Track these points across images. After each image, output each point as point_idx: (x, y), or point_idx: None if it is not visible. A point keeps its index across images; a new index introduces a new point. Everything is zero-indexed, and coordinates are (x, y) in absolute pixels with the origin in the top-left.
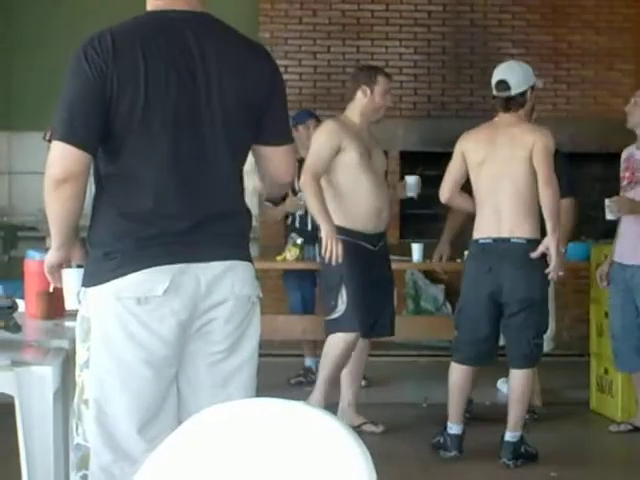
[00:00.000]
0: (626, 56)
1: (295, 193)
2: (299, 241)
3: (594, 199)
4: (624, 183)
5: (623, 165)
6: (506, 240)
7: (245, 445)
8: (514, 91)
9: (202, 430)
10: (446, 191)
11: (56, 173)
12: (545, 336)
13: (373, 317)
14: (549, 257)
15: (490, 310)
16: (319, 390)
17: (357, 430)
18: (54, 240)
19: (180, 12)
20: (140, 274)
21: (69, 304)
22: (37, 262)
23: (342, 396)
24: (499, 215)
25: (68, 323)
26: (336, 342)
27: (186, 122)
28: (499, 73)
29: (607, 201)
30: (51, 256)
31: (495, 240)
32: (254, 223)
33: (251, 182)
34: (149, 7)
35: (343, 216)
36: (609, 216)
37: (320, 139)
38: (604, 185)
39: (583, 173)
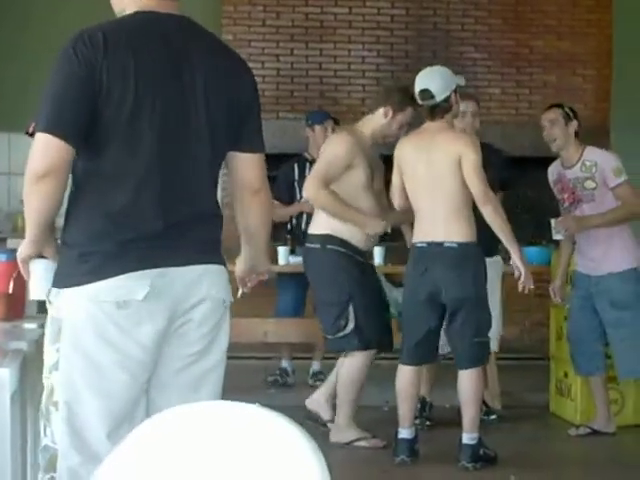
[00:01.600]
0: (588, 61)
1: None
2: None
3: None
4: (566, 204)
5: (557, 186)
6: (440, 244)
7: (199, 448)
8: (438, 98)
9: (158, 432)
10: (397, 198)
11: (37, 167)
12: (492, 336)
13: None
14: (516, 271)
15: (429, 311)
16: (344, 412)
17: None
18: (28, 233)
19: (167, 14)
20: (120, 278)
21: (34, 294)
22: None
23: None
24: (433, 220)
25: (27, 325)
26: (352, 362)
27: (173, 122)
28: (420, 82)
29: (553, 222)
30: (24, 248)
31: (429, 244)
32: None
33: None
34: (134, 7)
35: (339, 227)
36: (556, 236)
37: (337, 151)
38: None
39: (544, 178)
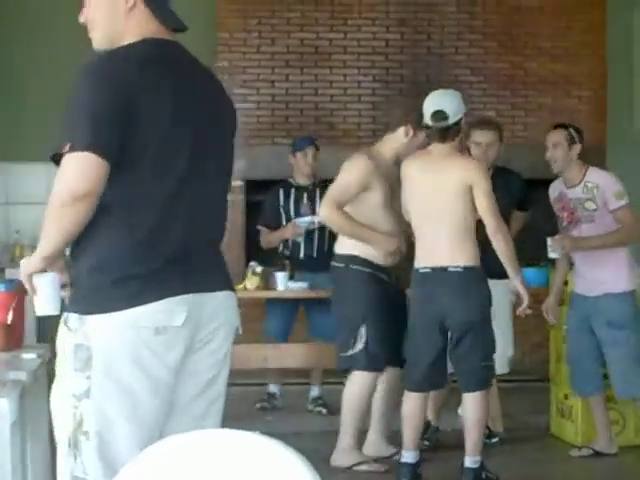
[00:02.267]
0: (583, 83)
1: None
2: (259, 270)
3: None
4: (564, 223)
5: (557, 205)
6: (444, 269)
7: (203, 476)
8: (451, 120)
9: (161, 458)
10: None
11: (76, 187)
12: (501, 357)
13: (397, 347)
14: (520, 298)
15: (435, 336)
16: (348, 433)
17: (388, 461)
18: (45, 249)
19: (172, 41)
20: (160, 303)
21: (41, 310)
22: None
23: (372, 426)
24: (436, 244)
25: (25, 355)
26: (358, 382)
27: (198, 146)
28: (433, 103)
29: (549, 240)
30: (34, 262)
31: (433, 269)
32: None
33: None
34: (137, 35)
35: (362, 248)
36: (552, 255)
37: (352, 174)
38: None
39: (541, 199)
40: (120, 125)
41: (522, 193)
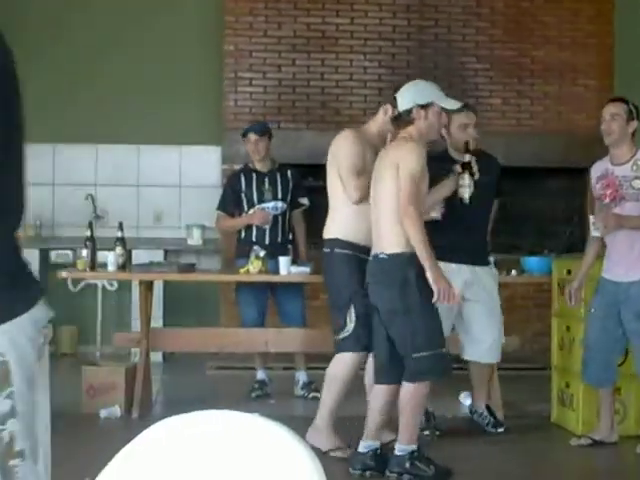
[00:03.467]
0: (589, 72)
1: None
2: (262, 254)
3: (557, 214)
4: (606, 201)
5: (600, 182)
6: (376, 256)
7: (198, 458)
8: (400, 108)
9: (159, 440)
10: None
11: None
12: (494, 345)
13: None
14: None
15: (377, 326)
16: (326, 412)
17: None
18: None
19: None
20: (42, 298)
21: None
22: None
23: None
24: (378, 231)
25: None
26: (343, 362)
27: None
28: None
29: (592, 218)
30: None
31: (373, 256)
32: (215, 235)
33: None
34: None
35: (343, 229)
36: (595, 233)
37: (351, 149)
38: (567, 200)
39: (545, 188)
40: None
41: (499, 179)
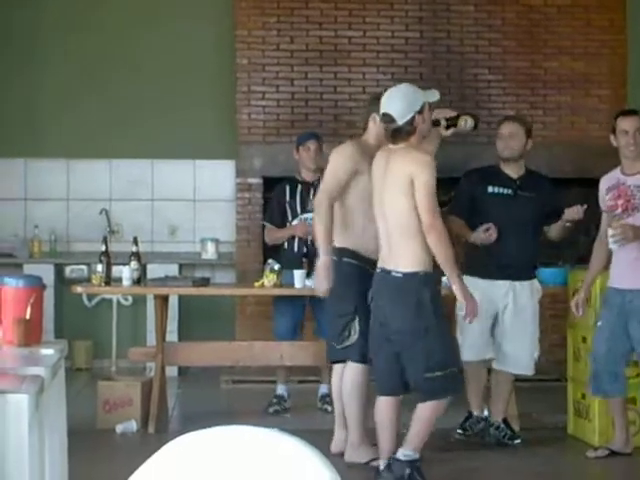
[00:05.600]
0: (602, 82)
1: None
2: (276, 267)
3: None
4: (618, 211)
5: (611, 193)
6: (388, 272)
7: (219, 475)
8: (400, 122)
9: (176, 456)
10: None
11: None
12: (528, 359)
13: None
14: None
15: (382, 340)
16: (354, 427)
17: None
18: None
19: None
20: None
21: None
22: (13, 289)
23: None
24: (389, 245)
25: (44, 350)
26: (355, 373)
27: None
28: (383, 105)
29: (610, 230)
30: None
31: (382, 270)
32: (229, 249)
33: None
34: None
35: (353, 240)
36: (613, 246)
37: (337, 161)
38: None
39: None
40: None
41: (553, 196)
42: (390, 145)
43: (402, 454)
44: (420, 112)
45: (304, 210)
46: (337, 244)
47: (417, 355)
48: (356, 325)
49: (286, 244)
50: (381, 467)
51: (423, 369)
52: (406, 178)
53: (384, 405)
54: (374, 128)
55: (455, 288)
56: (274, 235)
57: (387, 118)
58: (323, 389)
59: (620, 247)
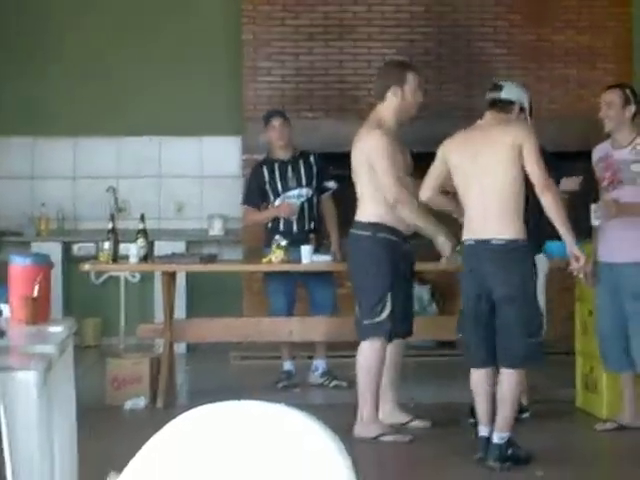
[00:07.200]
0: (608, 55)
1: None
2: (283, 243)
3: (578, 198)
4: (604, 183)
5: (600, 164)
6: (487, 241)
7: (227, 448)
8: (503, 95)
9: (185, 429)
10: (426, 190)
11: None
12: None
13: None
14: (571, 259)
15: (480, 311)
16: (368, 403)
17: (410, 430)
18: None
19: None
20: None
21: None
22: (21, 267)
23: (385, 396)
24: (484, 217)
25: (52, 328)
26: (372, 349)
27: None
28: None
29: (593, 206)
30: None
31: (477, 242)
32: (236, 226)
33: (227, 189)
34: None
35: (387, 215)
36: (595, 222)
37: (384, 150)
38: (588, 184)
39: (564, 172)
40: None
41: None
42: (482, 118)
43: (498, 438)
44: (521, 109)
45: (285, 189)
46: (369, 219)
47: (518, 319)
48: (389, 301)
49: (270, 222)
50: (481, 433)
51: (519, 334)
52: (512, 144)
53: (478, 377)
54: (393, 100)
55: (570, 246)
56: (255, 217)
57: (496, 88)
58: (322, 365)
59: (603, 222)
